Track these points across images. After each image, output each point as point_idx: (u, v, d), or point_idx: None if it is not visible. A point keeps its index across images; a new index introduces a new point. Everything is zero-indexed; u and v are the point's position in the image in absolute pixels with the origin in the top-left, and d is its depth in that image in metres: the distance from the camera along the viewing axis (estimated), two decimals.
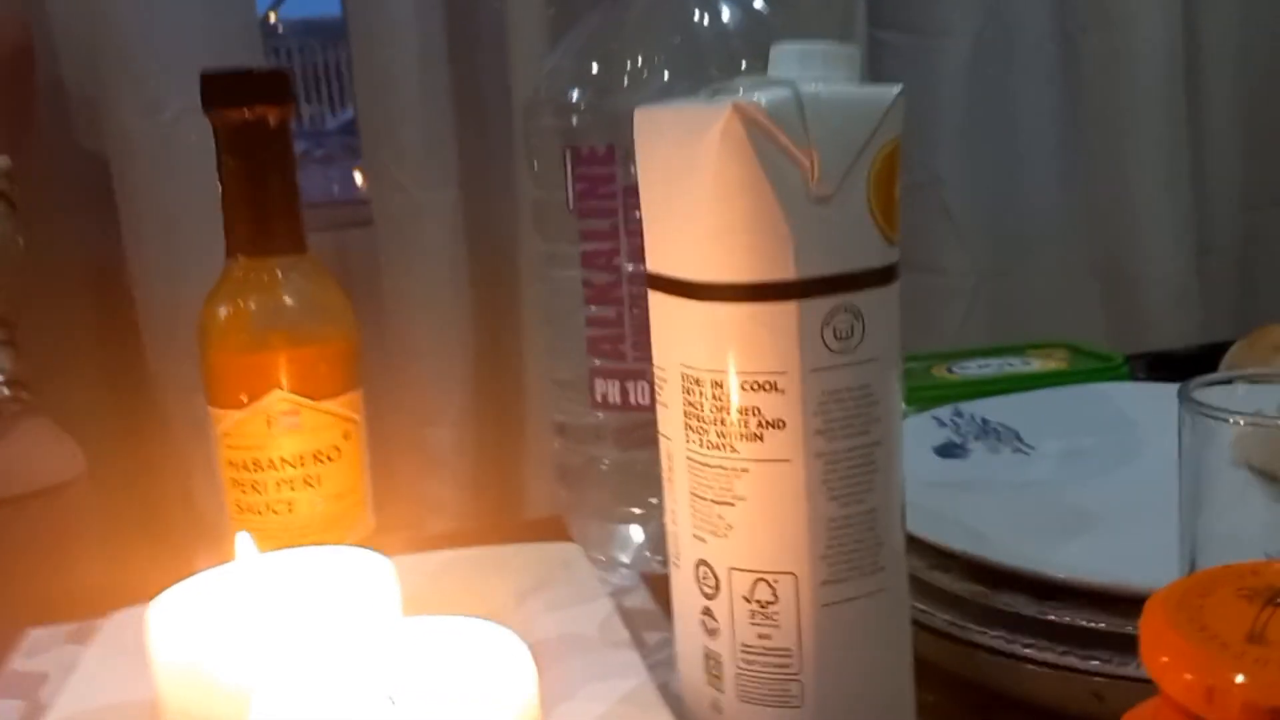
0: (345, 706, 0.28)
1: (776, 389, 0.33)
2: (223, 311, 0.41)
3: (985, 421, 0.57)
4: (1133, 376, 0.66)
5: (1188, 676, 0.20)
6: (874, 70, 1.35)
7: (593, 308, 0.51)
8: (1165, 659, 0.20)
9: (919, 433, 0.56)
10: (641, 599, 0.50)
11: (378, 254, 1.24)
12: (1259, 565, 0.23)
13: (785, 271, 0.32)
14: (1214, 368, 0.69)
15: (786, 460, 0.33)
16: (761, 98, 0.31)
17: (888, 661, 0.36)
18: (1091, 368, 0.62)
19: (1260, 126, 1.50)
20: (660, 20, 0.51)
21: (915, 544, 0.43)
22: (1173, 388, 0.56)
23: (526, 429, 1.24)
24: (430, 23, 1.18)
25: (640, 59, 0.50)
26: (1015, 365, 0.64)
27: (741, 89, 0.32)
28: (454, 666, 0.29)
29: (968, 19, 1.35)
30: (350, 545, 0.37)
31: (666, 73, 0.50)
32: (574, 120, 0.51)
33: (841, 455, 0.33)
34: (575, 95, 0.51)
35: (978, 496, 0.50)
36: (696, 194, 0.33)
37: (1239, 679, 0.19)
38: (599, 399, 0.51)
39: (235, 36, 1.13)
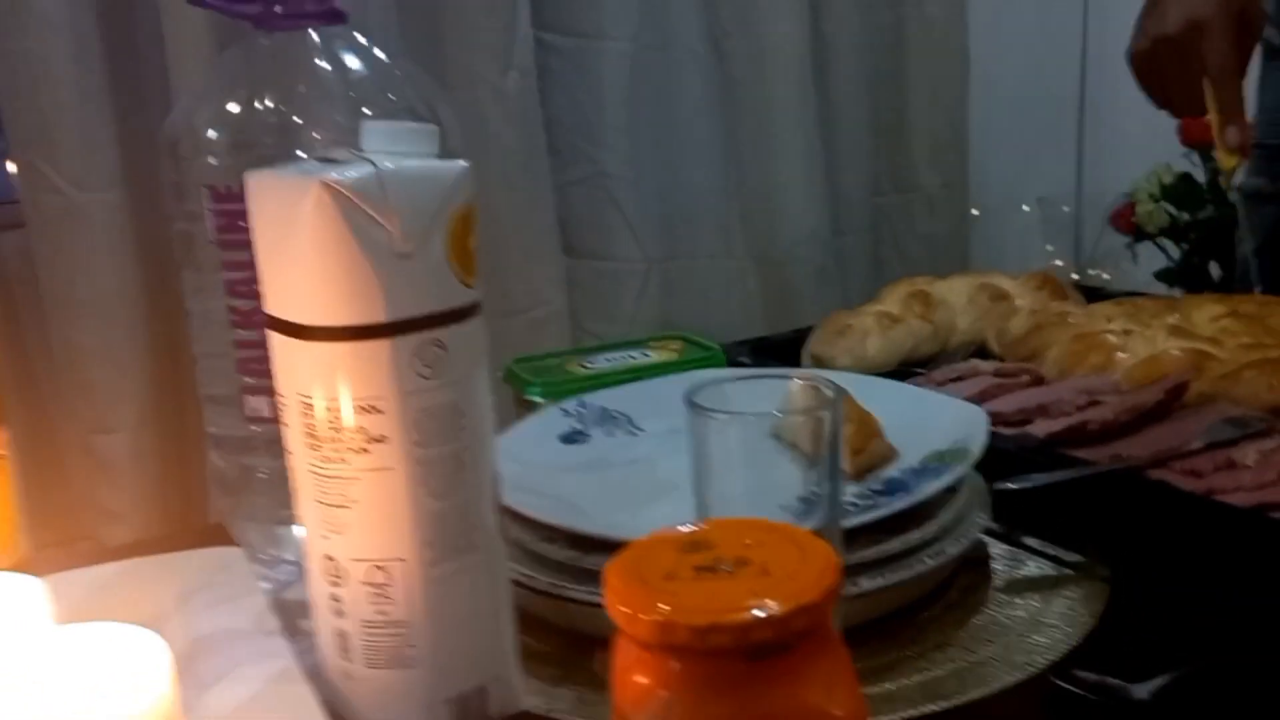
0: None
1: (378, 410, 0.40)
2: None
3: (605, 409, 0.67)
4: (736, 361, 0.79)
5: (621, 609, 0.29)
6: (541, 69, 1.44)
7: (240, 331, 0.56)
8: (610, 597, 0.29)
9: (548, 424, 0.65)
10: (302, 591, 0.56)
11: (34, 257, 1.19)
12: (696, 528, 0.32)
13: (378, 315, 0.39)
14: (798, 351, 0.83)
15: (390, 468, 0.40)
16: (347, 175, 0.38)
17: (489, 621, 0.44)
18: (696, 357, 0.74)
19: (882, 122, 1.73)
20: (288, 67, 0.56)
21: (528, 522, 0.52)
22: (754, 372, 0.68)
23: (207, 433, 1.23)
24: (82, 20, 1.14)
25: (270, 102, 0.55)
26: (636, 357, 0.74)
27: (334, 164, 0.39)
28: (96, 668, 0.34)
29: (623, 24, 1.47)
30: (3, 569, 0.41)
31: (295, 117, 0.55)
32: (212, 159, 0.55)
33: (436, 460, 0.41)
34: (213, 134, 0.55)
35: (591, 476, 0.60)
36: (299, 252, 0.39)
37: (657, 605, 0.28)
38: (251, 414, 0.56)
39: None
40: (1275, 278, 0.80)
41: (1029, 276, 0.88)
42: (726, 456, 0.42)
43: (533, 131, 1.42)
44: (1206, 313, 0.76)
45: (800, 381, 0.44)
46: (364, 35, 0.59)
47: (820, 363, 0.80)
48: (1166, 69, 0.76)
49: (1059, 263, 1.99)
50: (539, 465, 0.59)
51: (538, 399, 0.69)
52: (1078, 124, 1.96)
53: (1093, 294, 0.92)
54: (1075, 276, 2.02)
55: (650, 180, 1.57)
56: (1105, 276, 2.01)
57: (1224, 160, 0.75)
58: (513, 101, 1.39)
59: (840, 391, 0.42)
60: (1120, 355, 0.71)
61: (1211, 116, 0.75)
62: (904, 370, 0.80)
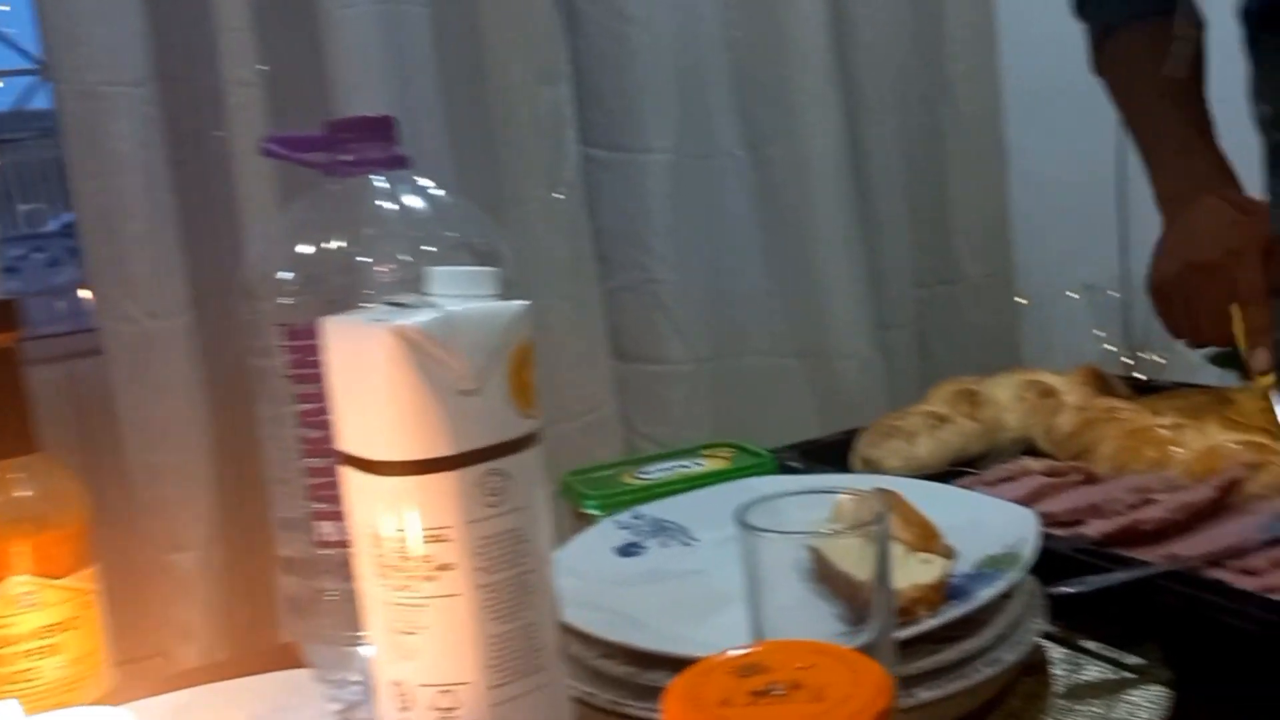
0: None
1: (445, 539, 0.42)
2: None
3: (659, 521, 0.68)
4: (786, 466, 0.80)
5: None
6: (588, 182, 1.50)
7: (311, 460, 0.58)
8: None
9: (604, 537, 0.67)
10: (371, 711, 0.58)
11: (111, 383, 1.25)
12: (750, 652, 0.34)
13: (443, 449, 0.42)
14: (848, 454, 0.84)
15: (457, 595, 0.42)
16: (415, 321, 0.41)
17: None
18: (747, 464, 0.76)
19: (921, 216, 1.75)
20: (354, 210, 0.60)
21: (586, 638, 0.53)
22: (803, 478, 0.69)
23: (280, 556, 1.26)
24: (154, 157, 1.22)
25: (339, 244, 0.59)
26: (688, 466, 0.76)
27: (403, 309, 0.42)
28: None
29: (666, 136, 1.52)
30: (91, 703, 0.43)
31: (362, 256, 0.59)
32: (284, 300, 0.59)
33: (500, 585, 0.43)
34: (285, 276, 0.59)
35: (648, 588, 0.61)
36: (370, 393, 0.42)
37: None
38: (321, 538, 0.59)
39: None
40: None
41: (1075, 371, 0.89)
42: (778, 572, 0.43)
43: (581, 242, 1.47)
44: (1258, 404, 0.77)
45: (847, 496, 0.45)
46: (418, 160, 0.63)
47: (870, 465, 0.81)
48: (1197, 294, 0.79)
49: (1110, 348, 1.98)
50: (596, 579, 0.61)
51: (594, 512, 0.71)
52: (1118, 209, 1.97)
53: (1139, 387, 0.92)
54: (1129, 361, 2.01)
55: (696, 283, 1.61)
56: (1160, 360, 1.99)
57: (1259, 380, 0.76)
58: (562, 215, 1.45)
59: (887, 506, 0.43)
60: (1175, 450, 0.71)
61: (1240, 341, 0.77)
62: (954, 471, 0.81)
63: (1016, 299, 1.87)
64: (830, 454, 0.85)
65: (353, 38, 1.28)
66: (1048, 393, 0.85)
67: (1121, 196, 1.94)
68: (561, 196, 1.44)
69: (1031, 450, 0.83)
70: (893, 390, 1.70)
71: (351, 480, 0.44)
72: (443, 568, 0.42)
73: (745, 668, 0.33)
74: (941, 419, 0.83)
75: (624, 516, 0.68)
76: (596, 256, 1.51)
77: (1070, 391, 0.85)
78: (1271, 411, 0.72)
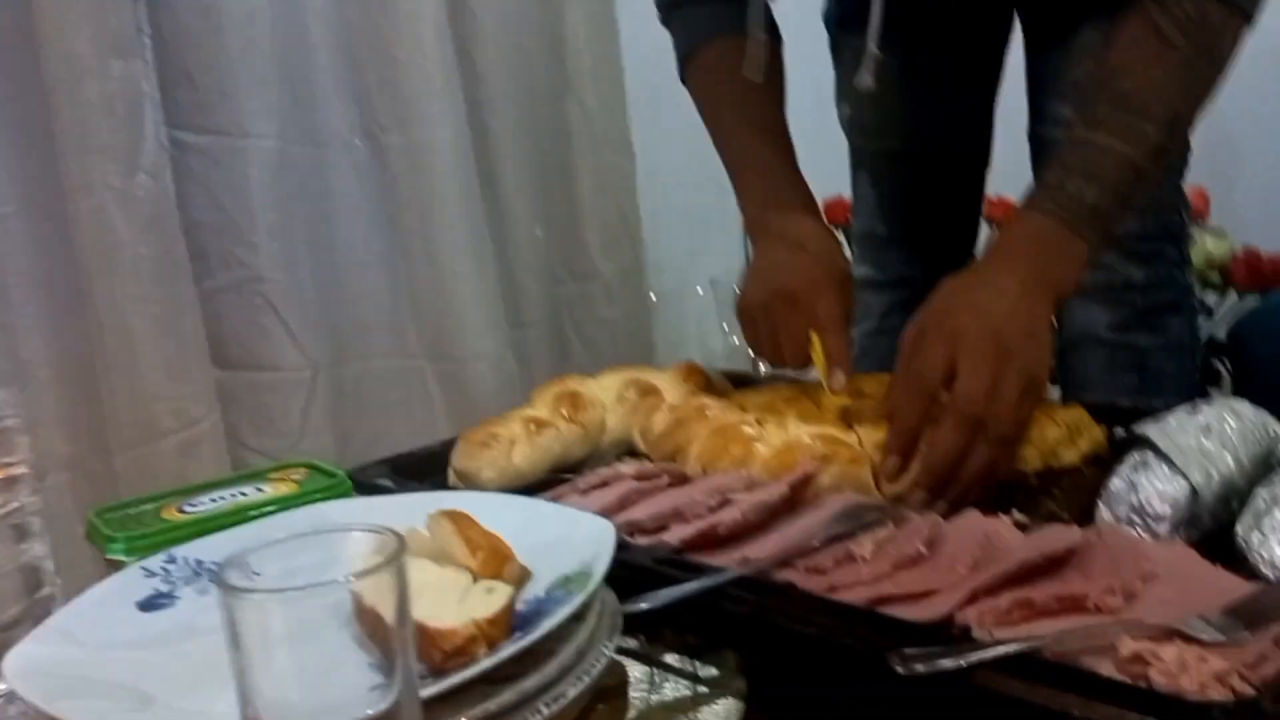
0: None
1: None
2: None
3: (200, 563, 0.58)
4: (372, 485, 0.72)
5: None
6: (177, 169, 1.33)
7: None
8: None
9: (124, 589, 0.56)
10: None
11: None
12: None
13: None
14: (445, 466, 0.78)
15: None
16: None
17: None
18: (318, 487, 0.66)
19: (555, 212, 1.73)
20: None
21: None
22: (385, 500, 0.61)
23: None
24: None
25: None
26: (247, 494, 0.66)
27: None
28: None
29: (265, 120, 1.38)
30: None
31: None
32: None
33: None
34: None
35: (170, 650, 0.51)
36: None
37: None
38: None
39: None
40: (889, 360, 0.84)
41: (675, 368, 0.88)
42: (272, 637, 0.35)
43: (169, 237, 1.30)
44: (836, 396, 0.78)
45: (363, 534, 0.38)
46: None
47: (465, 478, 0.75)
48: (779, 321, 0.83)
49: (736, 340, 2.08)
50: (102, 643, 0.50)
51: (121, 558, 0.59)
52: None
53: (737, 381, 0.93)
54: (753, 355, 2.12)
55: (309, 282, 1.47)
56: None
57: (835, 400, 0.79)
58: (143, 206, 1.27)
59: (402, 542, 0.36)
60: (757, 447, 0.70)
61: (819, 364, 0.81)
62: (555, 478, 0.76)
63: (649, 294, 1.90)
64: (425, 468, 0.78)
65: None
66: (648, 391, 0.83)
67: None
68: (143, 183, 1.27)
69: (635, 452, 0.81)
70: (528, 391, 1.66)
71: None
72: None
73: None
74: (541, 424, 0.78)
75: (154, 561, 0.57)
76: (190, 253, 1.35)
77: (670, 389, 0.84)
78: (845, 412, 0.75)
